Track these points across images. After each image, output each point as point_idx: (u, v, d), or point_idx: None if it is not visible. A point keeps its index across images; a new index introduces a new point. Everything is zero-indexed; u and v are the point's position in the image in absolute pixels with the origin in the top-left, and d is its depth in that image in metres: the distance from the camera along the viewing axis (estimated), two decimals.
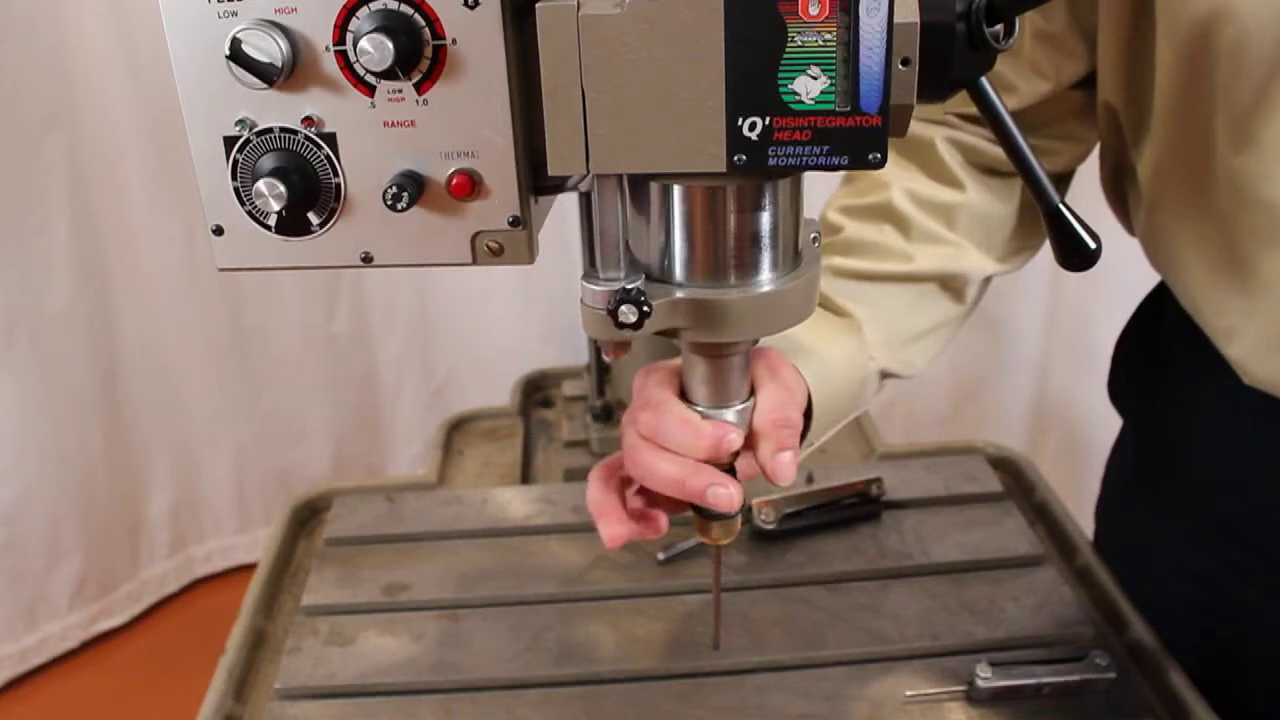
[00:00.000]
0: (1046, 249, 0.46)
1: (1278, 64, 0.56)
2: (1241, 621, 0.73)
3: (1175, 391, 0.77)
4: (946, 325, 0.75)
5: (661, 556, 0.82)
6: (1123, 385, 0.88)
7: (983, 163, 0.74)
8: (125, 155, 1.74)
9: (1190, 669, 0.71)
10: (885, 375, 0.73)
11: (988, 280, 0.76)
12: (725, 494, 0.54)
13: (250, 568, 0.95)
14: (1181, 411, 0.76)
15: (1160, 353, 0.80)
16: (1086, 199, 0.66)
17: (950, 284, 0.74)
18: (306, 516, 0.94)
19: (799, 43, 0.39)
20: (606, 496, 0.60)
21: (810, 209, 0.51)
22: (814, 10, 0.39)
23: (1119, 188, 0.74)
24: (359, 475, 2.07)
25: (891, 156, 0.48)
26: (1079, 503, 0.95)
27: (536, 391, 1.15)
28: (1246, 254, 0.62)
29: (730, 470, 0.57)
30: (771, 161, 0.41)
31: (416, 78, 0.42)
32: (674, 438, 0.55)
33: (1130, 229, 0.74)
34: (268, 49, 0.41)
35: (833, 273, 0.71)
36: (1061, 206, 0.45)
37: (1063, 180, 0.78)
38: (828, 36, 0.39)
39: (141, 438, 1.92)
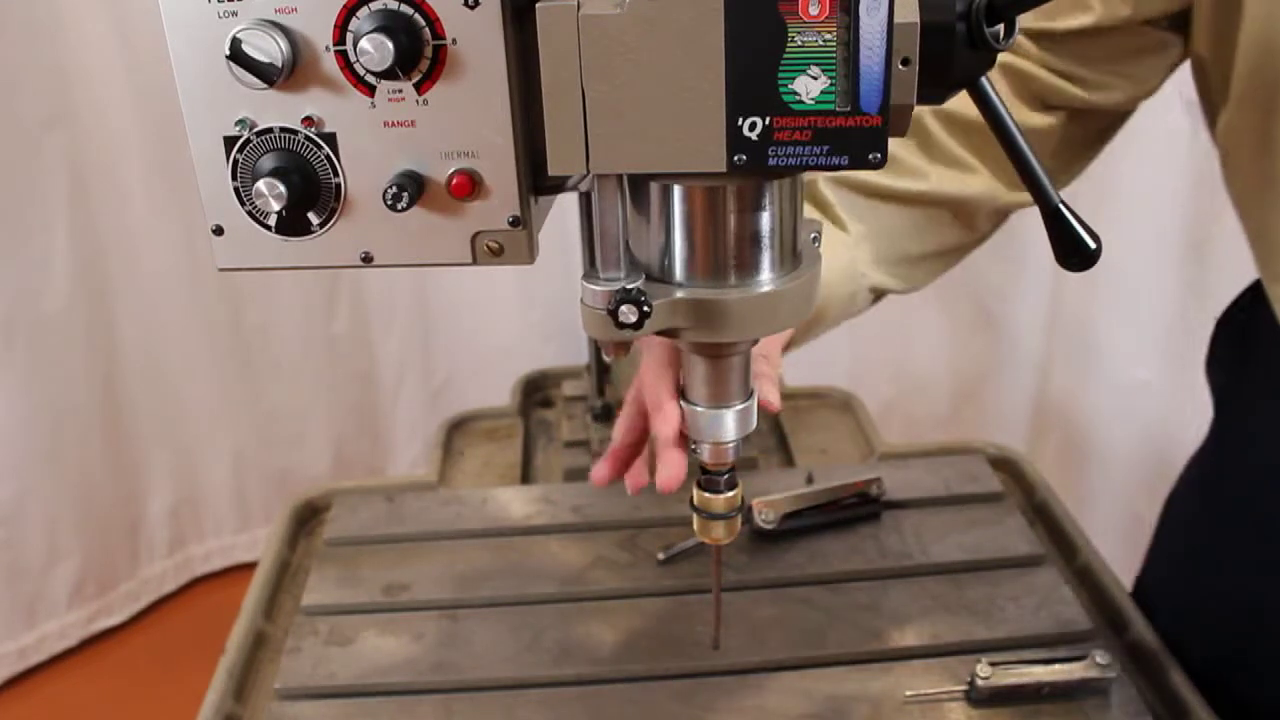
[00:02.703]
0: (1047, 250, 0.46)
1: None
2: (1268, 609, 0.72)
3: (1263, 373, 0.76)
4: (955, 251, 0.76)
5: (661, 556, 0.82)
6: (1217, 360, 0.86)
7: (1030, 90, 0.73)
8: (125, 155, 1.74)
9: (1197, 664, 0.70)
10: (879, 290, 0.74)
11: (1005, 212, 0.76)
12: (660, 421, 0.62)
13: (250, 567, 0.95)
14: (1266, 392, 0.74)
15: (1257, 328, 0.78)
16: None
17: (960, 210, 0.74)
18: (306, 516, 0.94)
19: (799, 43, 0.39)
20: (623, 435, 0.69)
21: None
22: (814, 10, 0.39)
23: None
24: (359, 475, 2.07)
25: None
26: (1079, 503, 0.95)
27: (536, 391, 1.15)
28: None
29: (730, 471, 0.57)
30: (771, 161, 0.41)
31: (416, 78, 0.42)
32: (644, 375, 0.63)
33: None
34: (268, 49, 0.41)
35: (837, 181, 0.71)
36: (1061, 206, 0.45)
37: (1118, 121, 0.77)
38: (828, 36, 0.39)
39: (141, 437, 1.92)
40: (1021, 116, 0.73)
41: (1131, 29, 0.70)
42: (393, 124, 0.43)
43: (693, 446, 0.56)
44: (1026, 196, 0.76)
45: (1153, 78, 0.74)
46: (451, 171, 0.43)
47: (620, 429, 0.70)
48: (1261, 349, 0.76)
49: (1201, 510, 0.82)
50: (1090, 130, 0.77)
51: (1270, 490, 0.72)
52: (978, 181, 0.74)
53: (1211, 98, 0.70)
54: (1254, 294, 0.79)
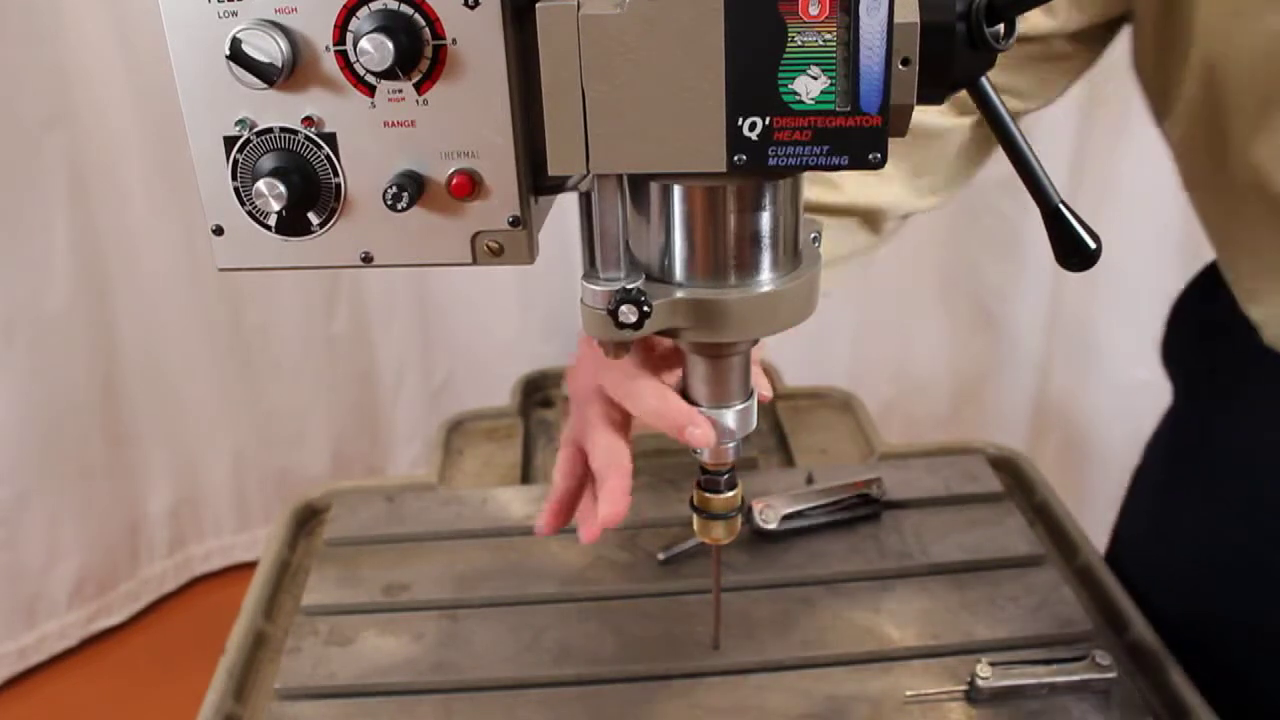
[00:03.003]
0: (1047, 250, 0.46)
1: (1267, 102, 0.60)
2: (1264, 594, 0.73)
3: (1224, 359, 0.77)
4: (859, 254, 0.77)
5: (661, 556, 0.82)
6: (1174, 347, 0.88)
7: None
8: (125, 155, 1.74)
9: (1200, 651, 0.71)
10: None
11: (910, 215, 0.77)
12: (700, 433, 0.55)
13: (249, 566, 0.95)
14: (1227, 378, 0.77)
15: (1214, 316, 0.80)
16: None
17: (870, 218, 0.75)
18: (306, 517, 0.94)
19: (799, 43, 0.39)
20: (565, 479, 0.65)
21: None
22: (814, 10, 0.39)
23: None
24: (359, 475, 2.07)
25: None
26: (1079, 503, 0.95)
27: (536, 391, 1.15)
28: (1265, 237, 0.64)
29: (730, 471, 0.57)
30: (771, 161, 0.41)
31: (416, 78, 0.42)
32: (643, 401, 0.57)
33: None
34: (268, 49, 0.41)
35: None
36: (1061, 207, 0.45)
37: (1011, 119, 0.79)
38: (828, 36, 0.39)
39: (141, 437, 1.92)
40: (934, 120, 0.75)
41: (1045, 40, 0.72)
42: (393, 124, 0.43)
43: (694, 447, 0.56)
44: (932, 202, 0.77)
45: (1058, 87, 0.77)
46: (451, 171, 0.43)
47: (560, 473, 0.66)
48: (1220, 332, 0.78)
49: (1167, 480, 0.85)
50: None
51: (1235, 469, 0.75)
52: (889, 189, 0.75)
53: (1154, 106, 0.72)
54: (1207, 278, 0.82)
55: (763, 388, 0.61)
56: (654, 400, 0.57)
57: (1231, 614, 0.75)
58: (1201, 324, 0.83)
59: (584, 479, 0.66)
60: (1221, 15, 0.61)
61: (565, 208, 0.52)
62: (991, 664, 0.69)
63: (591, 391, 0.63)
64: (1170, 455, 0.85)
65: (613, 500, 0.60)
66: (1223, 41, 0.62)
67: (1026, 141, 0.45)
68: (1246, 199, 0.65)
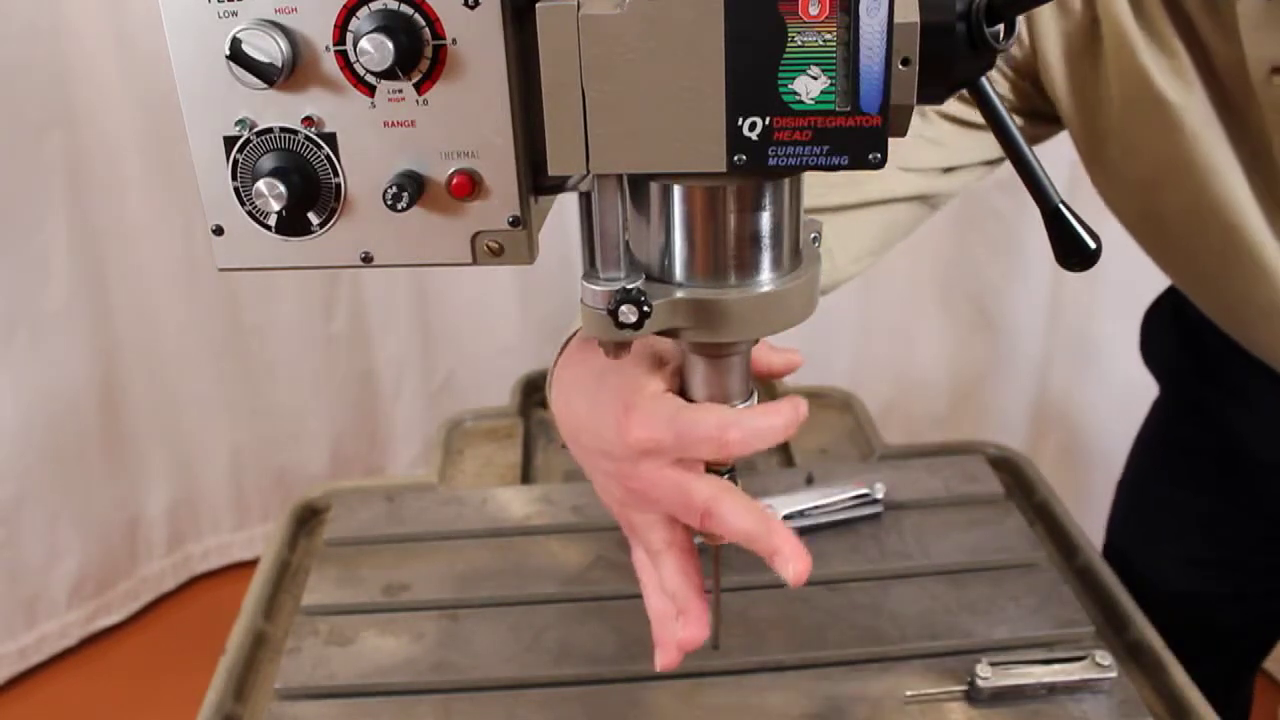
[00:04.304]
0: (1047, 250, 0.46)
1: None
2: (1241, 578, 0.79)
3: (1205, 354, 0.84)
4: (912, 226, 0.78)
5: None
6: (1155, 348, 0.92)
7: (949, 114, 0.76)
8: (124, 155, 1.74)
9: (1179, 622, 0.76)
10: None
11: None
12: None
13: (247, 565, 0.95)
14: (1207, 372, 0.84)
15: (1190, 318, 0.85)
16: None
17: (928, 201, 0.76)
18: (307, 516, 0.94)
19: (799, 43, 0.39)
20: (688, 577, 0.55)
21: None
22: (814, 10, 0.39)
23: None
24: (359, 475, 2.07)
25: None
26: (1079, 503, 0.95)
27: (536, 391, 1.15)
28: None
29: (731, 471, 0.57)
30: (771, 161, 0.41)
31: (416, 78, 0.42)
32: (751, 427, 0.51)
33: None
34: (268, 49, 0.41)
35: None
36: (1061, 207, 0.45)
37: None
38: (828, 36, 0.39)
39: (139, 436, 1.92)
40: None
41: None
42: (393, 124, 0.43)
43: None
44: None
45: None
46: (451, 171, 0.43)
47: (678, 576, 0.56)
48: (1194, 336, 0.85)
49: (1158, 465, 0.94)
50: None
51: (1213, 450, 0.86)
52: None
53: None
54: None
55: (792, 355, 0.59)
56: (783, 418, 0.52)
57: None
58: (1178, 322, 0.89)
59: (701, 575, 0.57)
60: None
61: (565, 208, 0.52)
62: (991, 664, 0.69)
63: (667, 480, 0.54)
64: (1159, 443, 0.93)
65: (801, 553, 0.52)
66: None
67: (1027, 141, 0.45)
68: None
